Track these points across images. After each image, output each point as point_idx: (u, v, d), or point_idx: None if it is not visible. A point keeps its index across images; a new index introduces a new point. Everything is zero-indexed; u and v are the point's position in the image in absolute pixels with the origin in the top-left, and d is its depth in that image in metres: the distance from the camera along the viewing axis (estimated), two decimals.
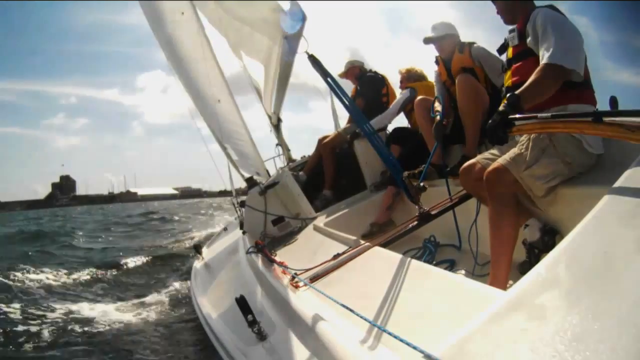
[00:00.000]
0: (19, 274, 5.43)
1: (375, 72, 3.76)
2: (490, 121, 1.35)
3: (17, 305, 4.05)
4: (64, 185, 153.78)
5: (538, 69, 1.46)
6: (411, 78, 3.38)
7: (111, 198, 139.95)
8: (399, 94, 3.50)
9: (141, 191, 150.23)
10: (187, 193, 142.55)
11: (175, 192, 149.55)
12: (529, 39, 1.64)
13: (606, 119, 1.08)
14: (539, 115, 1.23)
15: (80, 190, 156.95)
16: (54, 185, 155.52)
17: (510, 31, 1.76)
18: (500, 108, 1.34)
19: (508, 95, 1.37)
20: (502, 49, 1.88)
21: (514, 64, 1.74)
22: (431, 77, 3.32)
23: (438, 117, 2.32)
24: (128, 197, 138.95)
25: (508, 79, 1.77)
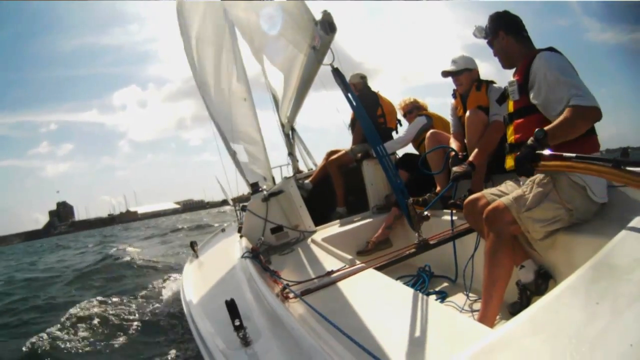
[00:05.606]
0: None
1: (369, 90, 3.64)
2: (519, 153, 1.37)
3: None
4: (62, 212, 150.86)
5: (570, 110, 1.40)
6: (419, 108, 3.36)
7: (110, 220, 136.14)
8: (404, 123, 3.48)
9: (141, 209, 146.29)
10: (190, 206, 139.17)
11: (177, 206, 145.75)
12: (532, 94, 1.59)
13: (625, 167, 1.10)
14: (565, 154, 1.25)
15: (81, 215, 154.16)
16: (51, 213, 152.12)
17: (511, 84, 1.72)
18: (529, 142, 1.36)
19: (536, 130, 1.36)
20: (502, 98, 1.85)
21: (516, 120, 1.71)
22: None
23: (453, 153, 2.40)
24: (128, 217, 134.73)
25: (511, 135, 1.75)
